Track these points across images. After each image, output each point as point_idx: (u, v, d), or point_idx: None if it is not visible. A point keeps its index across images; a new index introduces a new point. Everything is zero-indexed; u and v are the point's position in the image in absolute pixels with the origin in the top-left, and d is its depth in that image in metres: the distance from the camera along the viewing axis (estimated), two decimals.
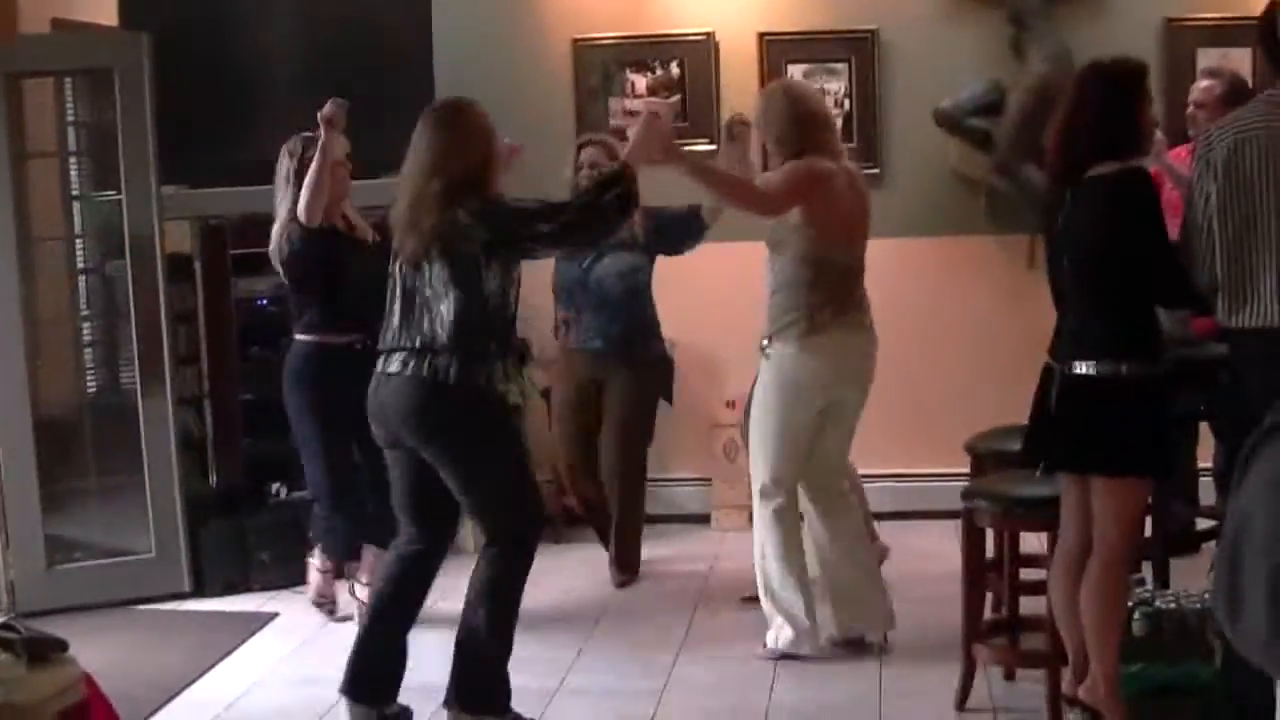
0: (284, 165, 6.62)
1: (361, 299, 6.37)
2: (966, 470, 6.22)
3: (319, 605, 7.01)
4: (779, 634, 6.16)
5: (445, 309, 5.22)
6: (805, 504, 6.21)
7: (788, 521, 6.12)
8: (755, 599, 6.29)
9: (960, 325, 7.93)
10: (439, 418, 5.27)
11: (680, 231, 7.16)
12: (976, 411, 6.63)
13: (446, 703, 5.42)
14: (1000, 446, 5.92)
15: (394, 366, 5.28)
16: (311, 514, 7.03)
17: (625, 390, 7.40)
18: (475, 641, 5.39)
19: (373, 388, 5.37)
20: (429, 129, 5.32)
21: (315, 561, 7.03)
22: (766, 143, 6.13)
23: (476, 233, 5.23)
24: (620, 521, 7.45)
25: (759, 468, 6.13)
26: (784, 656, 6.13)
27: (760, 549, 6.18)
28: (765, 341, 6.07)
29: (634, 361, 7.37)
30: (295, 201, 6.50)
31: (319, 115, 6.28)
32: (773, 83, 7.01)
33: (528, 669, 6.15)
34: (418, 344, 5.25)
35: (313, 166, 6.35)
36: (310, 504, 7.05)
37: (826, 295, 5.98)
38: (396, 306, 5.34)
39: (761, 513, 6.14)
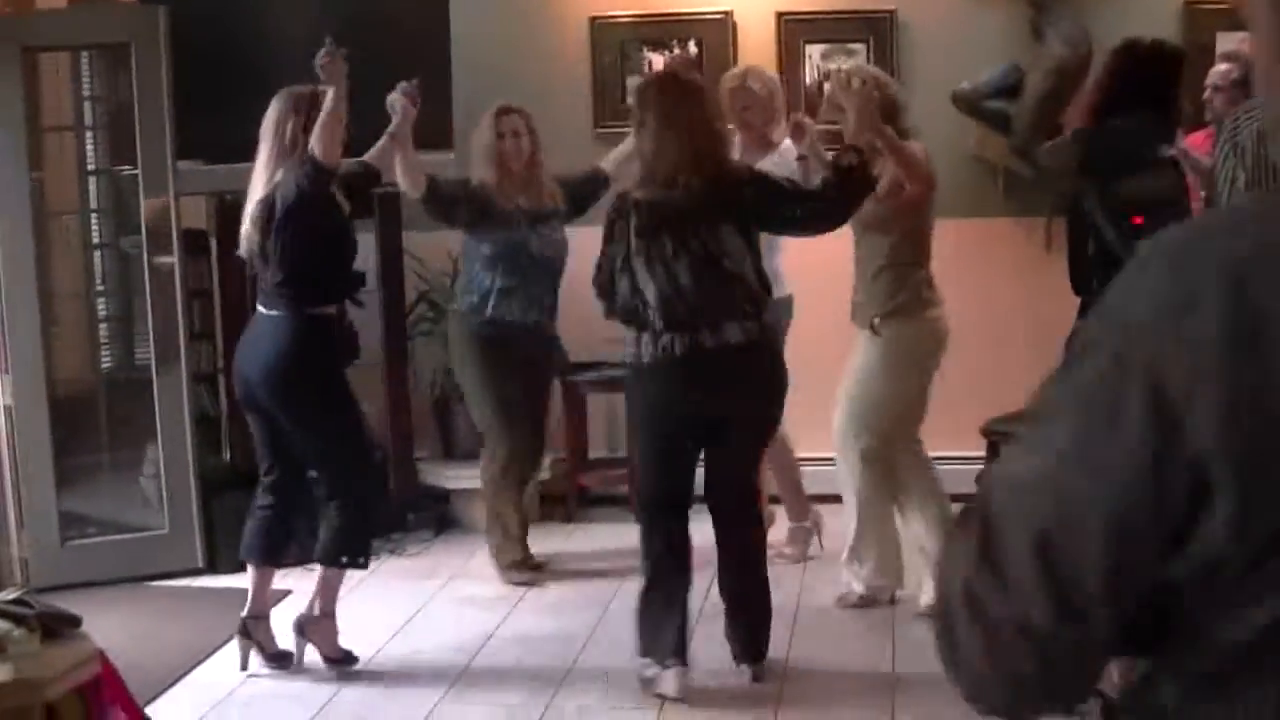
0: (275, 114, 5.99)
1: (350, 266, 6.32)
2: (982, 453, 6.21)
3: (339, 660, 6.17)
4: (861, 578, 6.52)
5: (736, 276, 5.43)
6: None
7: (883, 477, 6.39)
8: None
9: (977, 307, 7.89)
10: (769, 379, 5.57)
11: (589, 193, 7.05)
12: (992, 394, 6.60)
13: (749, 659, 5.77)
14: (1016, 429, 5.90)
15: (710, 337, 5.38)
16: (346, 529, 6.07)
17: (547, 370, 7.29)
18: (761, 594, 5.78)
19: (685, 359, 5.40)
20: (688, 101, 5.51)
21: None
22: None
23: (753, 206, 5.50)
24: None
25: (863, 432, 6.32)
26: (862, 602, 6.50)
27: (862, 504, 6.41)
28: (876, 320, 6.22)
29: (554, 337, 7.21)
30: (294, 147, 5.90)
31: (318, 67, 5.91)
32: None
33: (542, 648, 6.18)
34: (730, 312, 5.40)
35: (324, 111, 5.86)
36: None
37: (927, 272, 6.29)
38: (672, 278, 5.39)
39: (867, 472, 6.35)
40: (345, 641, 6.25)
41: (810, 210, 5.60)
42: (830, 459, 6.50)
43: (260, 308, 6.05)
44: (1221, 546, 1.27)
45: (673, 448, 5.61)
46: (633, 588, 6.73)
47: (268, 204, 5.87)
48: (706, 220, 5.41)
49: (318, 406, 6.01)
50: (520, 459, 7.10)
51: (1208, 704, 1.33)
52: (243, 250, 6.06)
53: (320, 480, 6.17)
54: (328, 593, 6.14)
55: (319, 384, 5.99)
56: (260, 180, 5.94)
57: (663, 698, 5.59)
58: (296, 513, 6.32)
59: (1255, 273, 1.29)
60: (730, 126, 6.64)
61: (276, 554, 6.25)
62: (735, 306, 5.42)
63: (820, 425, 6.50)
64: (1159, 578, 1.32)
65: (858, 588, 6.51)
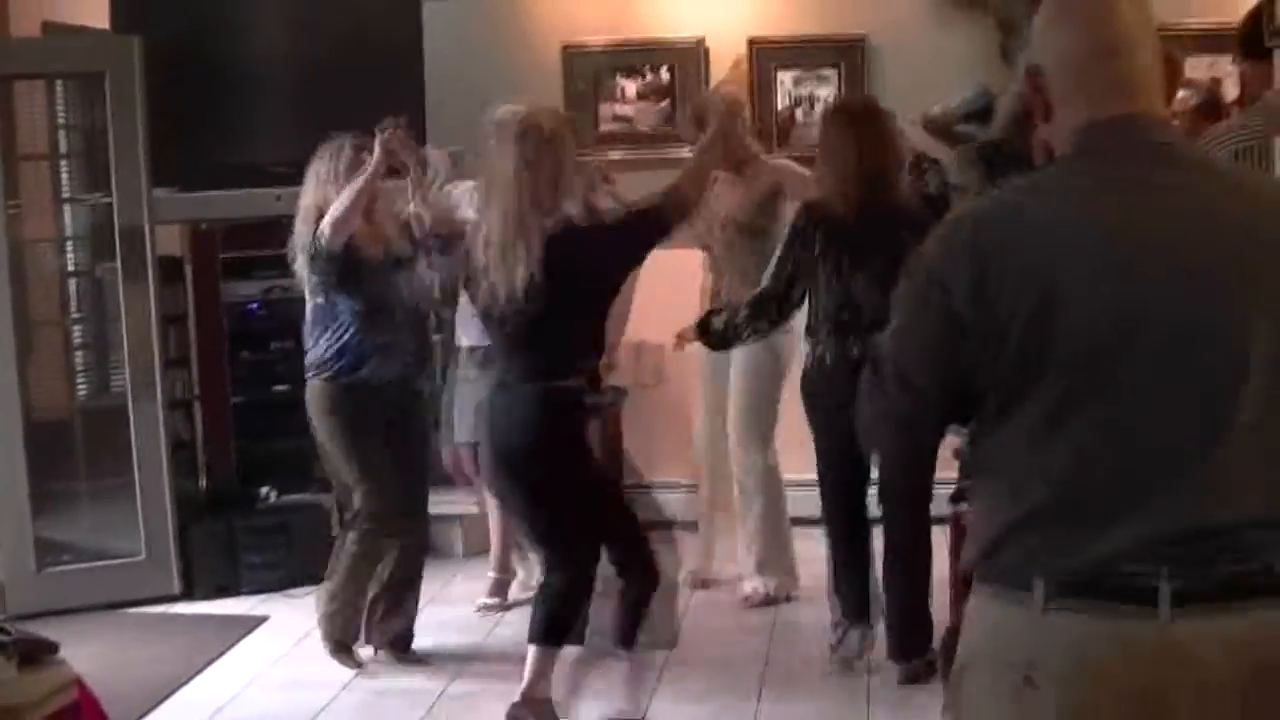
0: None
1: None
2: (956, 475, 6.23)
3: None
4: (775, 582, 6.99)
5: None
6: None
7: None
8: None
9: None
10: None
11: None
12: None
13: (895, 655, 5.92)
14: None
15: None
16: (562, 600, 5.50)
17: (420, 425, 6.54)
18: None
19: (852, 362, 5.66)
20: (880, 121, 5.92)
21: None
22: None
23: (924, 224, 5.69)
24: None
25: (770, 439, 6.93)
26: (768, 602, 6.94)
27: (769, 510, 6.94)
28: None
29: (421, 391, 6.60)
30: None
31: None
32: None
33: (514, 677, 6.18)
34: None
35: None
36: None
37: None
38: (848, 291, 5.79)
39: (775, 479, 6.98)
40: (325, 664, 6.28)
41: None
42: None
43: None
44: (974, 357, 2.43)
45: (842, 442, 5.69)
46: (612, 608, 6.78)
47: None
48: (885, 239, 5.61)
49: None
50: (391, 525, 6.31)
51: (988, 440, 2.51)
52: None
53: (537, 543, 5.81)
54: (537, 677, 5.50)
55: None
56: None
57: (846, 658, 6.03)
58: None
59: (986, 220, 2.54)
60: None
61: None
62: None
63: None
64: (955, 375, 2.47)
65: (760, 588, 6.98)
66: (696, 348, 6.67)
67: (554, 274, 5.06)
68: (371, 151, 5.99)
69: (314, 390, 6.20)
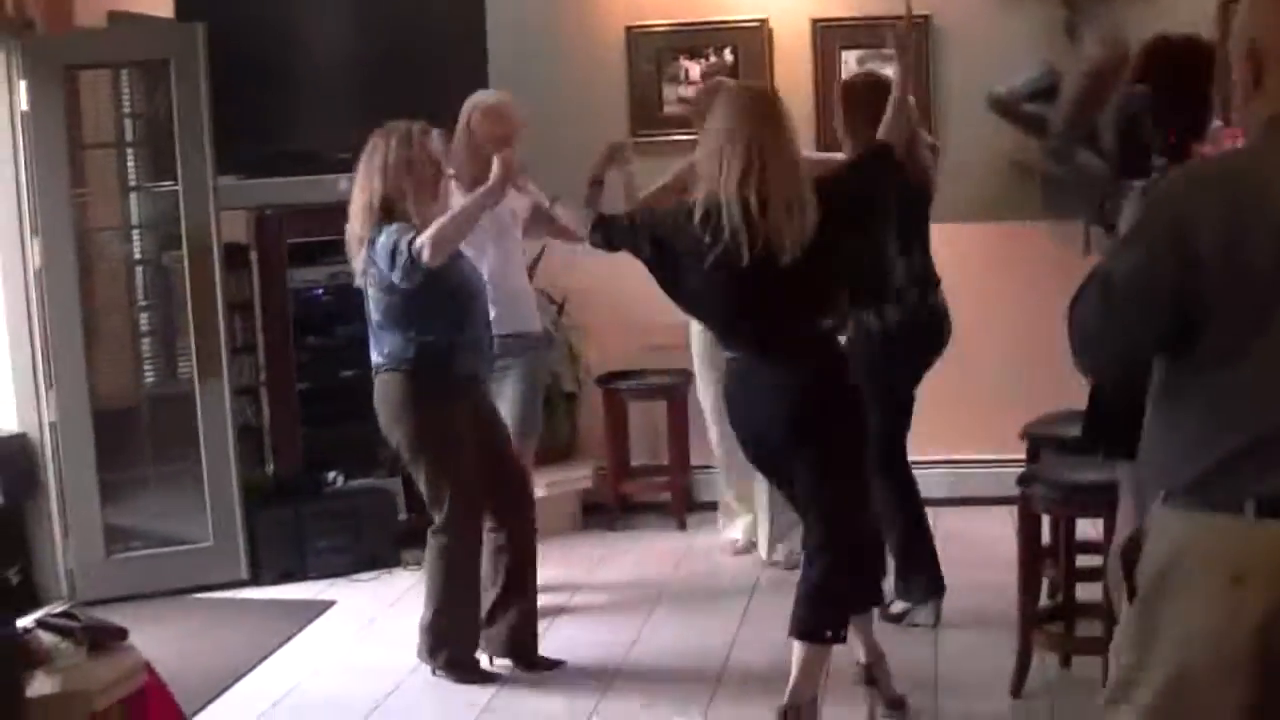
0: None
1: None
2: (1023, 456, 6.21)
3: None
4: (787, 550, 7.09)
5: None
6: None
7: None
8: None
9: (1016, 311, 7.88)
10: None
11: None
12: (1033, 397, 6.60)
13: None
14: (1056, 432, 5.90)
15: (927, 304, 6.20)
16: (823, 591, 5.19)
17: (497, 414, 6.30)
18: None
19: (914, 323, 6.18)
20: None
21: None
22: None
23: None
24: None
25: None
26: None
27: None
28: None
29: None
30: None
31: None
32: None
33: (588, 653, 6.18)
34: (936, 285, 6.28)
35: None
36: None
37: None
38: (912, 259, 6.12)
39: None
40: (392, 649, 6.29)
41: None
42: None
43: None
44: (1187, 295, 2.79)
45: (900, 400, 6.21)
46: (677, 593, 6.80)
47: None
48: (921, 209, 6.12)
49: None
50: (474, 524, 5.99)
51: (1196, 379, 2.86)
52: None
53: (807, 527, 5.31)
54: (806, 677, 5.19)
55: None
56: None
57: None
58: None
59: (1199, 179, 2.98)
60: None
61: None
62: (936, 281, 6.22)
63: None
64: (1171, 307, 2.82)
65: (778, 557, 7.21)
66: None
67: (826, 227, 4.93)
68: (429, 134, 5.84)
69: (393, 382, 5.85)
